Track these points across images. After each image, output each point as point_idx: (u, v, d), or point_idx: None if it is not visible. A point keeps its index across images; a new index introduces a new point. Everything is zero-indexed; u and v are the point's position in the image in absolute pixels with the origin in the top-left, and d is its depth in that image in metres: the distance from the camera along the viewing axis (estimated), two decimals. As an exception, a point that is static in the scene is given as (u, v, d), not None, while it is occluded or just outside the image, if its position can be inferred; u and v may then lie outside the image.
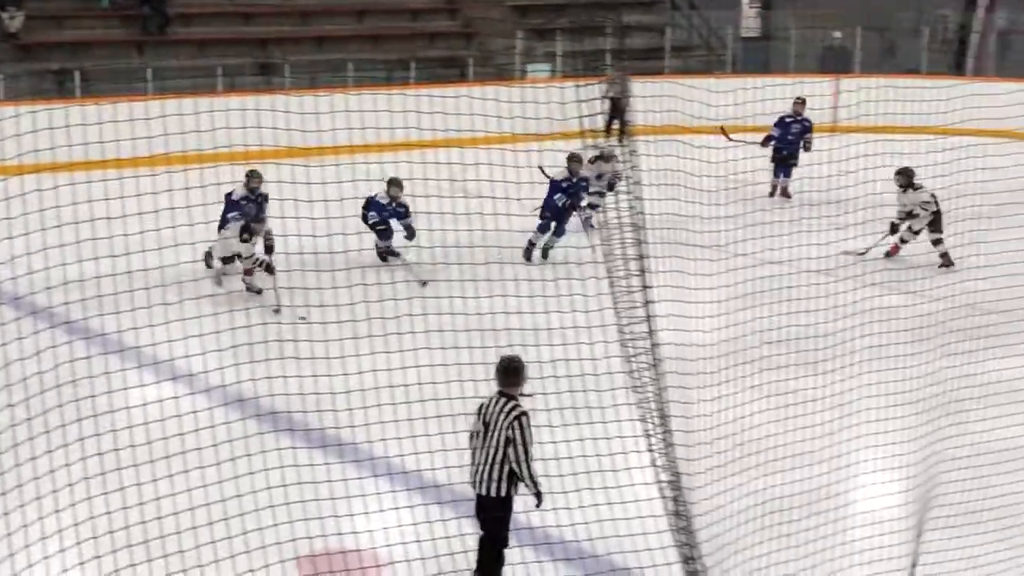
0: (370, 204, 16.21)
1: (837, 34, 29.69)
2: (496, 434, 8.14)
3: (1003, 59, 30.09)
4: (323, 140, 9.67)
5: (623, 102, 7.00)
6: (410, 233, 16.08)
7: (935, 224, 17.07)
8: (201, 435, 8.11)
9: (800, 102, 21.06)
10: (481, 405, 8.37)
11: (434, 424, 8.47)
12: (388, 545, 8.23)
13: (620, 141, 6.97)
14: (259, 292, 15.03)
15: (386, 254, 16.40)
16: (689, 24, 31.62)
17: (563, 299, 8.83)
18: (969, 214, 11.93)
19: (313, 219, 9.10)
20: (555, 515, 8.46)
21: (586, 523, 8.35)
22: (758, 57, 31.62)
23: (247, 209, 15.29)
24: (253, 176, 15.33)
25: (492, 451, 8.14)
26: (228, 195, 15.29)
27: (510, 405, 8.17)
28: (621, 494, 7.99)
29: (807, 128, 21.07)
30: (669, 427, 6.93)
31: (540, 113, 13.16)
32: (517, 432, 8.06)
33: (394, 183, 16.10)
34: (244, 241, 15.16)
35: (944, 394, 9.75)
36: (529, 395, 8.32)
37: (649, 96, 8.49)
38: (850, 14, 30.07)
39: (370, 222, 16.22)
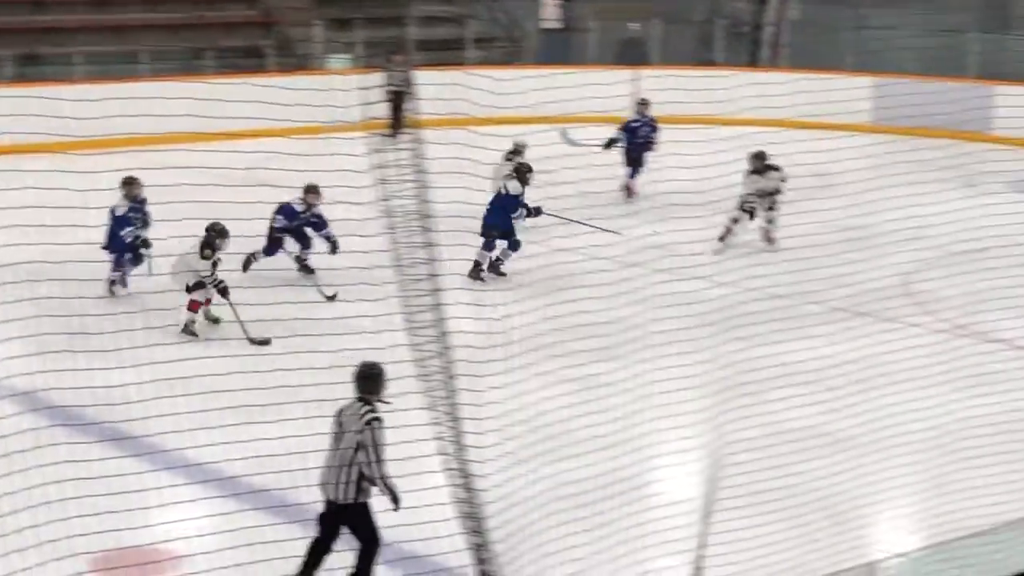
0: (282, 208, 14.98)
1: (634, 25, 30.07)
2: (348, 438, 8.11)
3: (797, 50, 30.82)
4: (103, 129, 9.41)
5: (405, 93, 6.97)
6: (333, 246, 14.83)
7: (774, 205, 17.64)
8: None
9: (643, 103, 21.07)
10: (339, 409, 8.32)
11: (228, 415, 8.32)
12: (174, 540, 8.08)
13: (397, 133, 6.93)
14: (216, 322, 13.32)
15: (303, 266, 15.33)
16: (490, 15, 31.72)
17: (351, 289, 8.77)
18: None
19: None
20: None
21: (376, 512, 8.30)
22: (558, 48, 31.86)
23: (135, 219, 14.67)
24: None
25: (343, 455, 8.11)
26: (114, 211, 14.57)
27: (364, 409, 8.15)
28: (409, 484, 7.94)
29: (653, 128, 21.01)
30: (458, 416, 6.93)
31: (338, 103, 13.03)
32: (368, 436, 8.04)
33: (311, 190, 14.99)
34: (205, 259, 13.37)
35: (734, 377, 9.96)
36: (388, 401, 8.25)
37: (439, 84, 8.52)
38: (647, 6, 30.52)
39: (276, 225, 15.08)
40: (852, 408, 10.90)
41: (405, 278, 6.88)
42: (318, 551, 8.37)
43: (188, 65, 26.38)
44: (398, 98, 7.03)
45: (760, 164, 17.47)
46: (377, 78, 6.97)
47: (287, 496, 8.81)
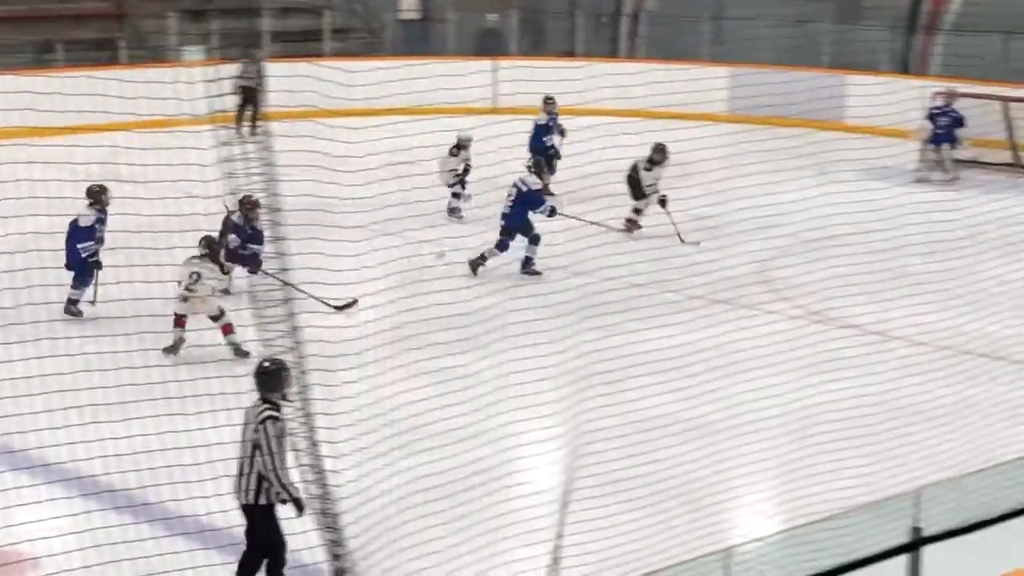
0: (229, 228, 13.66)
1: (492, 16, 30.09)
2: (245, 438, 7.87)
3: (655, 41, 31.08)
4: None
5: (257, 88, 6.87)
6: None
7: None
8: None
9: (550, 101, 20.40)
10: (246, 408, 8.07)
11: (74, 414, 8.13)
12: (29, 541, 7.87)
13: (253, 127, 6.83)
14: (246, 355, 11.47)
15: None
16: (348, 6, 31.49)
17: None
18: (609, 191, 12.28)
19: None
20: (204, 503, 8.25)
21: (224, 511, 8.16)
22: (417, 40, 31.76)
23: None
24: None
25: (243, 457, 7.85)
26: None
27: (259, 409, 7.87)
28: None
29: (561, 130, 20.63)
30: (310, 411, 6.84)
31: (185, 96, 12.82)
32: (262, 437, 7.75)
33: (248, 203, 12.49)
34: (226, 272, 12.78)
35: (592, 366, 10.00)
36: (290, 402, 8.04)
37: (291, 77, 8.40)
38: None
39: (230, 247, 13.41)
40: (709, 395, 11.02)
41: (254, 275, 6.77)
42: (246, 565, 8.07)
43: (37, 59, 25.82)
44: (249, 92, 6.92)
45: (661, 156, 17.66)
46: (228, 71, 6.85)
47: (139, 496, 8.63)
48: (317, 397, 6.97)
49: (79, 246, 13.34)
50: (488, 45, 29.44)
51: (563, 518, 8.32)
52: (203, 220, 7.40)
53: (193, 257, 12.34)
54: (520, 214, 15.27)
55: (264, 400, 7.93)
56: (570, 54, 29.32)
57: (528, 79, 17.34)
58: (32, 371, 8.22)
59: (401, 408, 8.91)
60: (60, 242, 13.04)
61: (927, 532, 7.45)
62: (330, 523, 7.07)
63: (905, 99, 19.63)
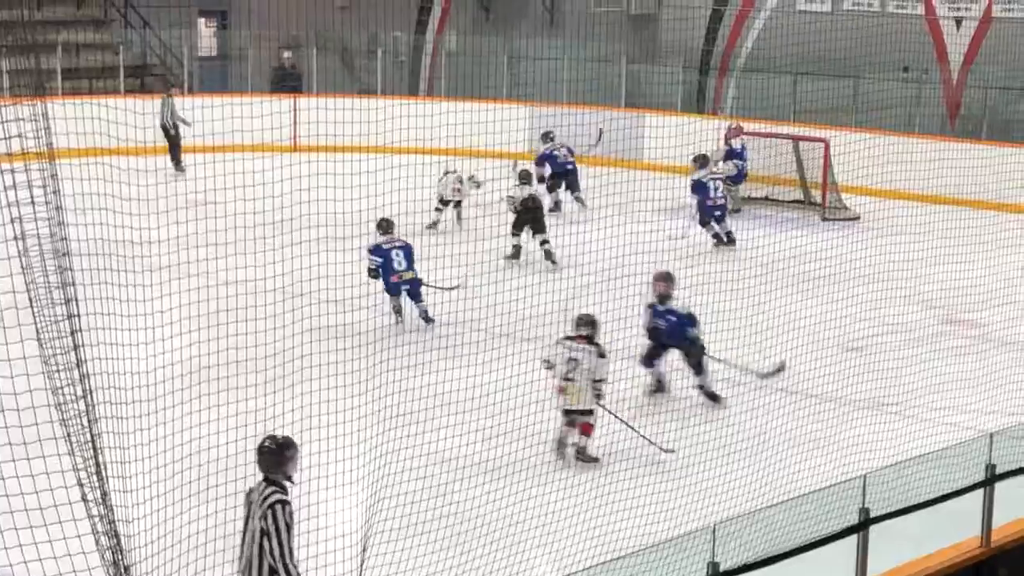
0: None
1: (287, 54, 29.93)
2: (253, 524, 7.51)
3: (454, 79, 31.28)
4: None
5: (40, 125, 6.67)
6: None
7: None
8: None
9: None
10: (249, 488, 7.74)
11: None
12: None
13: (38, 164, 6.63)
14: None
15: None
16: (144, 42, 30.96)
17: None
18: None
19: None
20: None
21: (26, 561, 7.80)
22: (215, 77, 31.40)
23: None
24: None
25: (251, 543, 7.50)
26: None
27: (268, 491, 7.52)
28: (48, 533, 7.41)
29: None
30: (101, 459, 6.63)
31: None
32: (271, 523, 7.41)
33: None
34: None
35: (396, 406, 9.95)
36: (294, 482, 7.77)
37: (78, 118, 8.20)
38: (304, 35, 30.44)
39: None
40: (511, 433, 11.05)
41: (43, 317, 6.56)
42: None
43: None
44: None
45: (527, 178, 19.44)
46: (17, 108, 6.66)
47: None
48: (109, 445, 6.75)
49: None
50: (284, 83, 29.25)
51: (363, 560, 8.25)
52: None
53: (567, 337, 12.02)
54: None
55: (269, 481, 7.60)
56: (371, 92, 29.29)
57: (323, 120, 17.27)
58: None
59: (206, 452, 8.72)
60: None
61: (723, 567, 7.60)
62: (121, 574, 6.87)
63: (700, 136, 20.15)
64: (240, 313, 9.35)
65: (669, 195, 18.02)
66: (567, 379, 11.70)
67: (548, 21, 30.76)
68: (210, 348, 9.96)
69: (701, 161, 20.61)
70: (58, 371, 6.54)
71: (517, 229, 18.78)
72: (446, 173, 20.95)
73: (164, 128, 24.33)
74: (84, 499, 6.67)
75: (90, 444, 6.59)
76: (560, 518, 10.03)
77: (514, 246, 18.68)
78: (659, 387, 13.60)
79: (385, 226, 15.65)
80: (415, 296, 15.58)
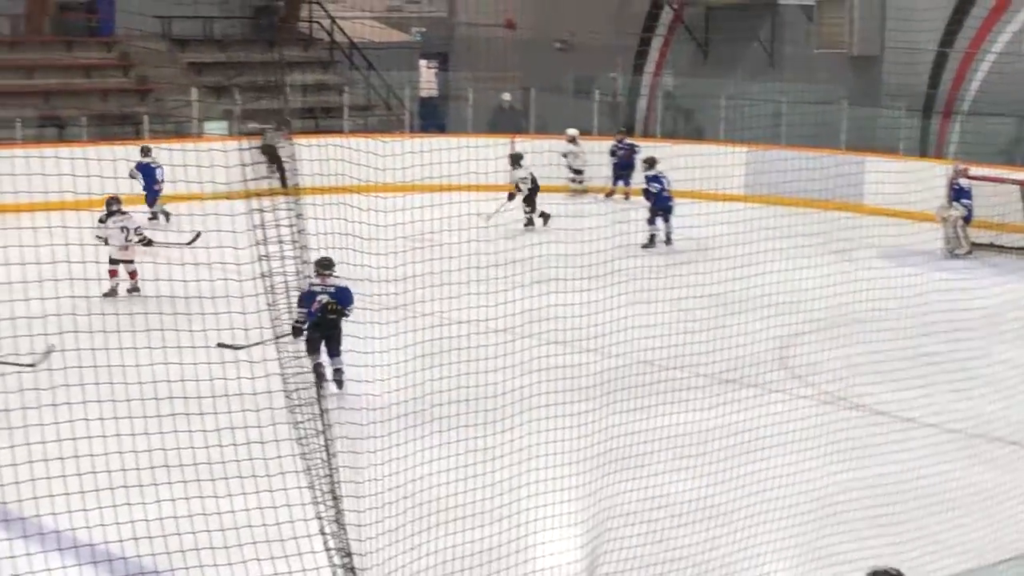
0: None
1: (506, 96, 30.34)
2: None
3: (671, 120, 31.31)
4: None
5: (281, 161, 6.90)
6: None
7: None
8: None
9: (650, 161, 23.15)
10: None
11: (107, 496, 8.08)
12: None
13: (275, 200, 6.84)
14: None
15: None
16: (367, 83, 31.76)
17: (228, 366, 8.61)
18: (636, 274, 12.32)
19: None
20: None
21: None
22: (435, 117, 32.04)
23: None
24: None
25: None
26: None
27: None
28: (288, 564, 7.70)
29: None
30: (339, 493, 6.80)
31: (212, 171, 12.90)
32: None
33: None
34: None
35: (618, 449, 9.94)
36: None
37: (325, 159, 8.44)
38: (524, 76, 30.84)
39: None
40: (733, 479, 10.94)
41: (284, 354, 6.76)
42: None
43: (63, 132, 26.11)
44: (276, 164, 6.95)
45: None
46: (255, 145, 6.89)
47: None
48: (344, 479, 6.92)
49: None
50: (503, 123, 29.66)
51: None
52: (235, 288, 7.38)
53: None
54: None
55: None
56: (588, 133, 29.47)
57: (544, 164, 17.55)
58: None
59: (432, 488, 8.86)
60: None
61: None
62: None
63: (924, 180, 19.76)
64: (469, 352, 9.49)
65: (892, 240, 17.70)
66: None
67: (768, 63, 30.53)
68: (436, 386, 10.12)
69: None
70: (300, 405, 6.73)
71: (530, 206, 23.44)
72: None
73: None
74: (322, 532, 6.85)
75: (328, 477, 6.76)
76: (779, 568, 9.89)
77: (534, 216, 23.33)
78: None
79: None
80: None
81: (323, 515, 6.80)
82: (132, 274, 17.90)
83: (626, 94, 32.36)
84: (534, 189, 23.62)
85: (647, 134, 30.70)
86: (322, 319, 13.04)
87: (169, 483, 8.31)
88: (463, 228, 10.19)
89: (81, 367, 8.72)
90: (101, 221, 17.73)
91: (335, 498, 6.82)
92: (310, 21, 32.57)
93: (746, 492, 11.06)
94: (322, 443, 6.71)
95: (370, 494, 7.76)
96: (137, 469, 8.34)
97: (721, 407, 11.37)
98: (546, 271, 11.33)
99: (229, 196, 7.19)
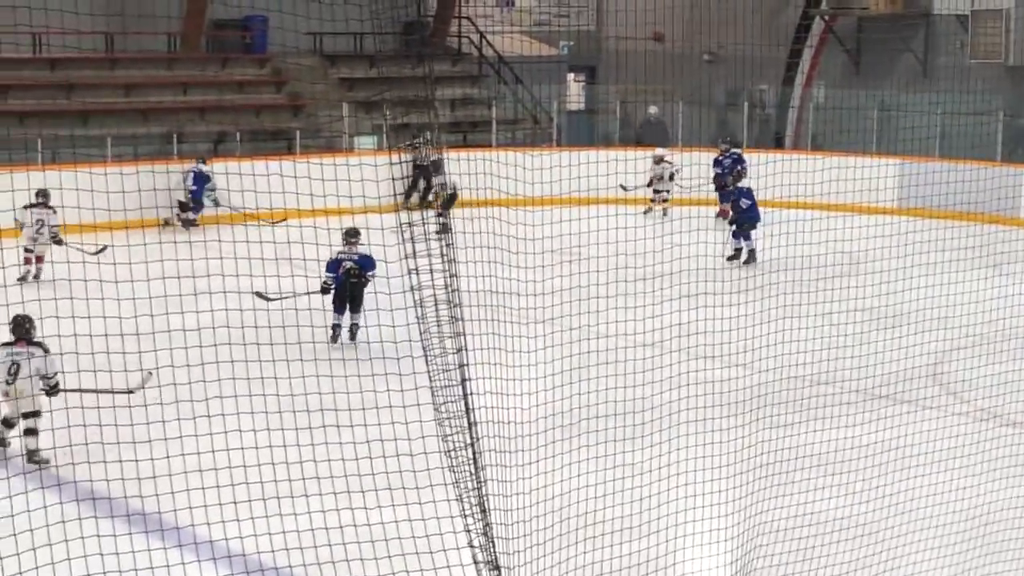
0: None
1: (653, 109, 30.23)
2: None
3: (821, 132, 30.93)
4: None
5: (432, 174, 6.98)
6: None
7: None
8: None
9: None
10: None
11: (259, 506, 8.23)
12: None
13: (430, 212, 6.90)
14: None
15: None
16: (515, 97, 31.90)
17: (378, 378, 8.69)
18: (786, 288, 12.19)
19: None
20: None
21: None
22: (582, 130, 32.05)
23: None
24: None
25: None
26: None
27: None
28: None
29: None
30: (487, 506, 6.83)
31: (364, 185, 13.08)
32: None
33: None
34: None
35: (768, 465, 9.83)
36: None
37: (474, 172, 8.50)
38: (671, 89, 30.69)
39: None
40: (885, 496, 10.74)
41: (433, 367, 6.81)
42: None
43: (217, 148, 26.70)
44: (425, 178, 7.04)
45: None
46: (405, 159, 6.97)
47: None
48: (493, 493, 6.95)
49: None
50: (649, 136, 29.56)
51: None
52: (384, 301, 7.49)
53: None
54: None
55: None
56: (736, 145, 29.24)
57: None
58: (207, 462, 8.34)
59: (578, 503, 8.86)
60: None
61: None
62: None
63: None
64: (616, 367, 9.47)
65: None
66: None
67: (921, 73, 30.01)
68: (582, 400, 10.11)
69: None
70: (448, 419, 6.77)
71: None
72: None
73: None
74: (471, 545, 6.88)
75: (476, 490, 6.79)
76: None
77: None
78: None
79: None
80: None
81: (471, 528, 6.84)
82: (39, 259, 18.80)
83: (776, 106, 32.05)
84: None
85: (797, 146, 30.36)
86: (347, 282, 14.94)
87: (320, 494, 8.41)
88: (610, 241, 10.19)
89: (235, 379, 8.89)
90: (24, 207, 18.42)
91: (483, 511, 6.85)
92: (459, 36, 32.79)
93: (898, 510, 10.85)
94: (470, 456, 6.74)
95: (517, 507, 7.77)
96: (288, 480, 8.51)
97: (873, 423, 11.18)
98: (693, 285, 11.24)
99: (380, 210, 7.27)
